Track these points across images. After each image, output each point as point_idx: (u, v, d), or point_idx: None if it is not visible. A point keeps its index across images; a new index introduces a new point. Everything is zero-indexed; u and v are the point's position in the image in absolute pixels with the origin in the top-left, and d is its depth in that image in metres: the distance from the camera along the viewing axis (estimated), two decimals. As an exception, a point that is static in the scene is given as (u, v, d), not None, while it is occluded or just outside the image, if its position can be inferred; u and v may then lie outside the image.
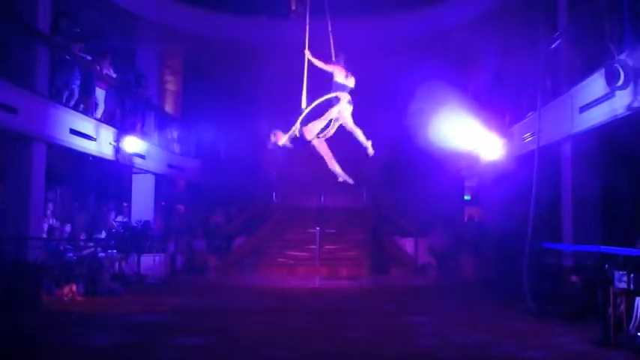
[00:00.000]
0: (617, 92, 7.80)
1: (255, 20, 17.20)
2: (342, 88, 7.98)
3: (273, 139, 7.93)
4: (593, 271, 8.29)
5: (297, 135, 7.78)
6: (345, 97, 7.90)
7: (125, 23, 15.34)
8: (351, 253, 16.49)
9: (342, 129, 8.09)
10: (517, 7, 13.46)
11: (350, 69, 8.11)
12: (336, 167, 8.13)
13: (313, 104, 7.89)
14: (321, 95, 7.97)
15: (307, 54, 8.16)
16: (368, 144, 8.12)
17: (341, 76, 8.01)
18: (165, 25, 16.18)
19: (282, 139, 7.85)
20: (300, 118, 7.82)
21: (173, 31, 16.50)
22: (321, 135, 7.88)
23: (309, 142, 7.87)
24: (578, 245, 9.45)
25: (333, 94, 7.92)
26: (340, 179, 8.24)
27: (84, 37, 12.58)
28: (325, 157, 8.06)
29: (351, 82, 8.04)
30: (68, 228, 12.37)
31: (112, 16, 14.74)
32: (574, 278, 8.87)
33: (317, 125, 7.84)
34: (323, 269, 15.17)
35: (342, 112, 7.91)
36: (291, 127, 7.82)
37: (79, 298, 10.40)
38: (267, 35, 17.07)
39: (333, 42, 8.51)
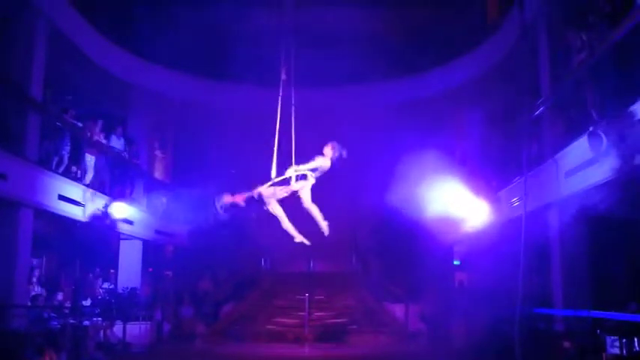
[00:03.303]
0: (601, 158, 7.93)
1: (245, 87, 17.48)
2: (314, 170, 8.07)
3: (220, 202, 7.98)
4: (585, 337, 8.21)
5: (255, 197, 7.86)
6: (311, 178, 7.99)
7: (116, 90, 15.54)
8: (341, 320, 16.25)
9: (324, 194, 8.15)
10: (500, 74, 13.82)
11: (339, 159, 8.15)
12: (290, 228, 8.12)
13: (282, 177, 8.00)
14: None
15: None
16: (324, 224, 8.10)
17: (323, 164, 8.08)
18: (155, 91, 16.40)
19: (237, 199, 7.91)
20: (266, 186, 7.91)
21: (164, 98, 16.72)
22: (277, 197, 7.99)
23: (265, 203, 7.93)
24: (569, 310, 9.38)
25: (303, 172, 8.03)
26: (297, 240, 8.19)
27: (75, 104, 12.74)
28: (279, 218, 8.07)
29: (326, 167, 8.12)
30: (60, 296, 12.20)
31: (104, 82, 14.93)
32: (566, 344, 8.76)
33: (277, 192, 7.93)
34: (312, 336, 14.91)
35: (305, 189, 7.98)
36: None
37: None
38: (257, 102, 17.34)
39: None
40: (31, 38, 11.34)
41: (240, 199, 7.97)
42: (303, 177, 8.01)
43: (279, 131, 8.54)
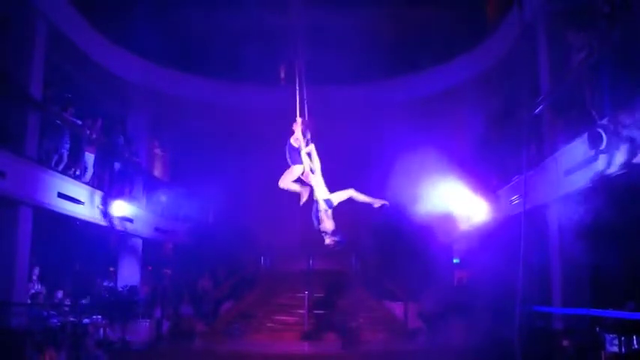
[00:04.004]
0: (601, 156, 7.94)
1: (244, 86, 17.49)
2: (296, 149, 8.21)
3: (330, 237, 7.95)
4: (584, 335, 8.22)
5: (328, 205, 7.82)
6: (304, 149, 8.13)
7: (115, 88, 15.54)
8: (340, 318, 16.25)
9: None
10: (500, 74, 13.82)
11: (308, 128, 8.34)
12: (368, 199, 8.08)
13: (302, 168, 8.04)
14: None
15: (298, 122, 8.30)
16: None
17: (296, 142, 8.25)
18: (154, 89, 16.39)
19: (324, 226, 7.88)
20: (315, 185, 7.89)
21: (163, 96, 16.71)
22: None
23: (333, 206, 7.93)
24: (568, 308, 9.39)
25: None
26: (376, 205, 8.15)
27: (75, 102, 12.74)
28: (354, 197, 8.04)
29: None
30: (60, 294, 12.20)
31: (103, 80, 14.94)
32: (565, 342, 8.77)
33: (319, 186, 7.94)
34: (311, 334, 14.92)
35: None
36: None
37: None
38: (256, 101, 17.35)
39: (308, 109, 8.72)
40: (31, 38, 11.34)
41: (328, 224, 7.92)
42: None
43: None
